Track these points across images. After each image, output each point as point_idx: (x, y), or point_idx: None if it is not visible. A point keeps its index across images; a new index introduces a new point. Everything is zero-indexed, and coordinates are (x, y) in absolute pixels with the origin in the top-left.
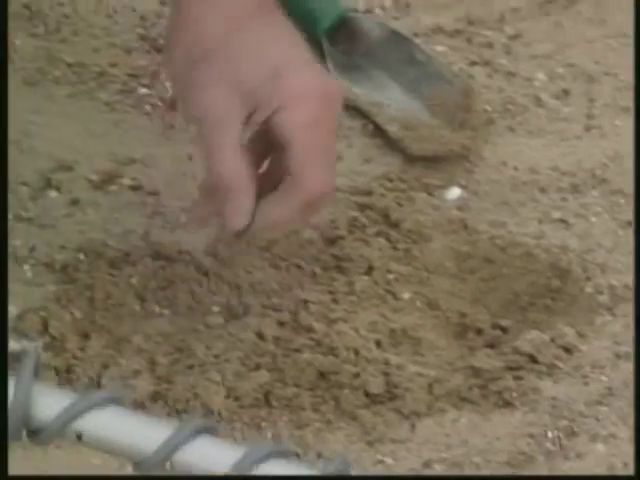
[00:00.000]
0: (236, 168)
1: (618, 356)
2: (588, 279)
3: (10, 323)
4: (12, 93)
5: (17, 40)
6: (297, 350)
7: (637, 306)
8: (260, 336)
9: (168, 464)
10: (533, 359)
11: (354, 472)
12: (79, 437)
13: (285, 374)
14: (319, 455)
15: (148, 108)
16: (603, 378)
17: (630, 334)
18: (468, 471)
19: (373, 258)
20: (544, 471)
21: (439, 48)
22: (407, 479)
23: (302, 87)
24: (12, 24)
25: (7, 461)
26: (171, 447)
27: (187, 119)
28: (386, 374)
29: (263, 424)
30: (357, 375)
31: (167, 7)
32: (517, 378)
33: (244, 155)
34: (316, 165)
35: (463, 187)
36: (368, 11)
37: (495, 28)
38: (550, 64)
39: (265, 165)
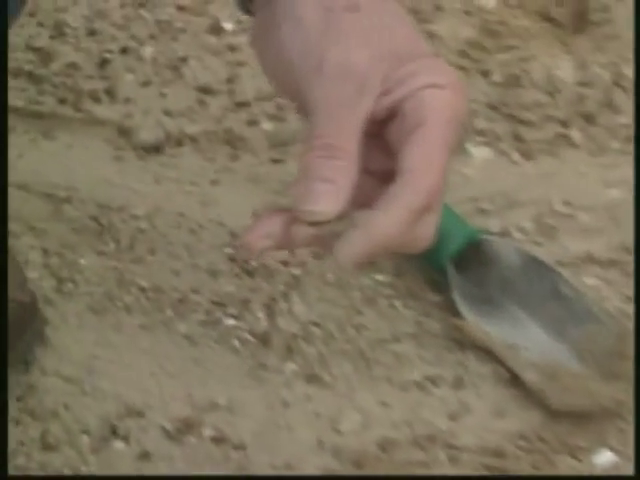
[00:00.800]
0: (354, 142)
1: None
2: None
3: None
4: (75, 321)
5: (82, 259)
6: None
7: None
8: None
9: None
10: None
11: None
12: None
13: None
14: None
15: (236, 343)
16: None
17: None
18: None
19: None
20: None
21: (589, 281)
22: (408, 479)
23: (458, 78)
24: (77, 239)
25: (7, 461)
26: None
27: (305, 72)
28: None
29: None
30: None
31: None
32: None
33: (361, 137)
34: (441, 162)
35: (616, 451)
36: (504, 234)
37: None
38: None
39: None
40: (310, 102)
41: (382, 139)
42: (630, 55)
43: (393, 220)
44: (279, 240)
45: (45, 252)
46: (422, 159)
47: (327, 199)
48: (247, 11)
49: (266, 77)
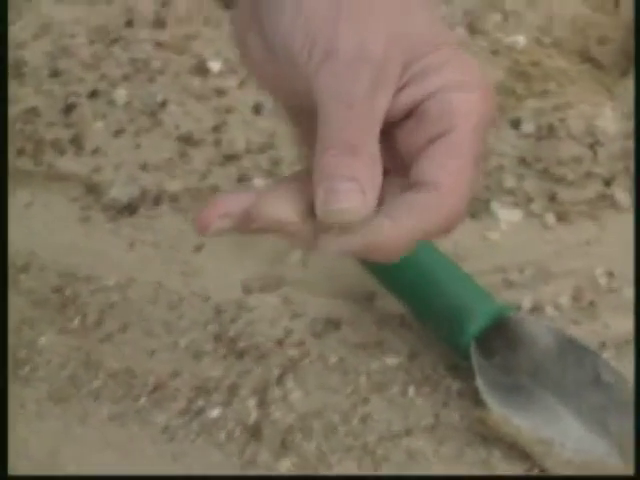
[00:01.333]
0: (373, 138)
1: None
2: None
3: None
4: (34, 410)
5: (43, 337)
6: None
7: None
8: None
9: None
10: None
11: None
12: None
13: None
14: None
15: (221, 437)
16: None
17: None
18: None
19: None
20: None
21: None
22: (407, 479)
23: (482, 75)
24: (36, 314)
25: (7, 461)
26: None
27: (309, 62)
28: None
29: None
30: None
31: (251, 295)
32: None
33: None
34: (470, 181)
35: None
36: (536, 310)
37: None
38: None
39: None
40: (318, 95)
41: (387, 137)
42: None
43: (400, 234)
44: (238, 221)
45: None
46: (451, 176)
47: (353, 196)
48: (226, 5)
49: (256, 79)
